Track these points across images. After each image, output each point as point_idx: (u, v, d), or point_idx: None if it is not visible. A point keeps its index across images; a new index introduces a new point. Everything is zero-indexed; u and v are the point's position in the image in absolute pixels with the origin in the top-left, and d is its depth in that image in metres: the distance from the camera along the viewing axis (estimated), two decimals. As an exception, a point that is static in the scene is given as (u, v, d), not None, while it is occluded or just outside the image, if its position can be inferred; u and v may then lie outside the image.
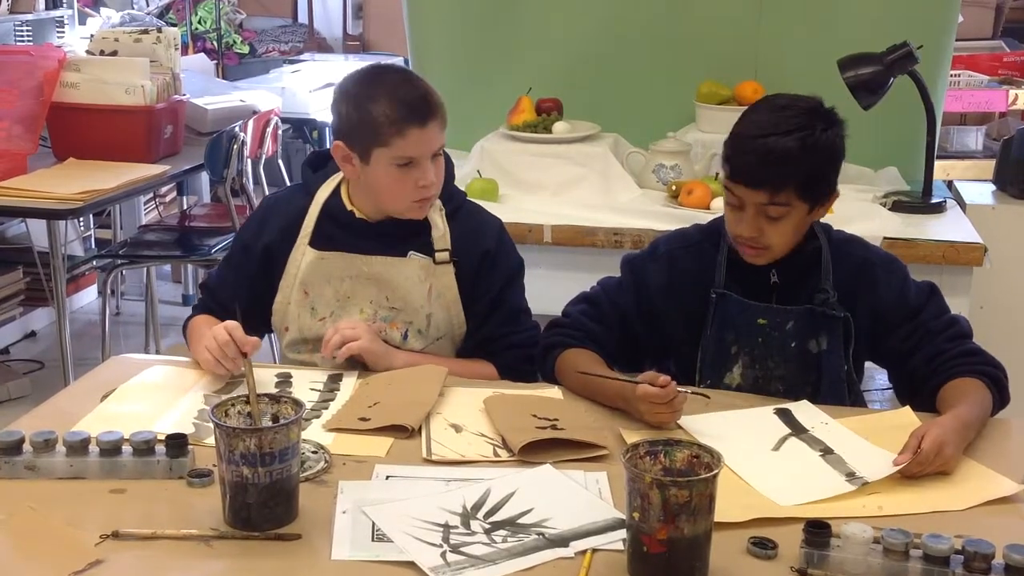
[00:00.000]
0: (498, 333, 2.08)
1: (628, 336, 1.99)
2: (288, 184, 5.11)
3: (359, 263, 2.02)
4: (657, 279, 1.98)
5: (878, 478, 1.57)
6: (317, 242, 2.04)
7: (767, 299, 1.93)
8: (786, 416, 1.80)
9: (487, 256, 2.06)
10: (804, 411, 1.81)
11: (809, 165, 1.80)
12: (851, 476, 1.59)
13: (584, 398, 1.87)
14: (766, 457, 1.66)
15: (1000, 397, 1.81)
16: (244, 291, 2.06)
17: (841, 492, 1.55)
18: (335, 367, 1.99)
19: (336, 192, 2.06)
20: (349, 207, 2.04)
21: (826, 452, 1.67)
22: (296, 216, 2.06)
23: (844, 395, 1.95)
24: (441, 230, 2.04)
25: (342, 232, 2.04)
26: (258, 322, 2.07)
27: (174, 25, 5.89)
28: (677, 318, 1.97)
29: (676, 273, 1.97)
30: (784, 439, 1.72)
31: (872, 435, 1.72)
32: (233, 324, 1.85)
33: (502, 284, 2.08)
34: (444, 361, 2.01)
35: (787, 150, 1.77)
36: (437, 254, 2.03)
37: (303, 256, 2.04)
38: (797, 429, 1.75)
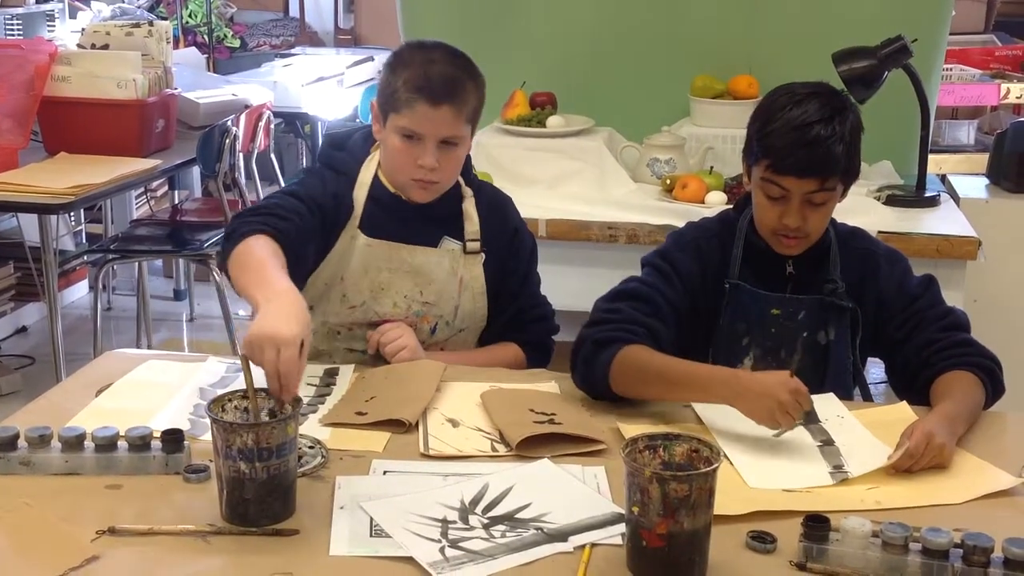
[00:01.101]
0: (526, 305, 2.12)
1: (680, 332, 1.91)
2: (280, 178, 5.12)
3: (403, 253, 2.02)
4: (693, 268, 1.94)
5: (861, 473, 1.57)
6: (365, 227, 2.02)
7: (782, 290, 1.93)
8: None
9: (516, 233, 2.13)
10: (825, 404, 1.80)
11: (850, 146, 1.83)
12: (837, 469, 1.59)
13: (652, 397, 1.78)
14: (763, 442, 1.66)
15: (993, 389, 1.81)
16: (308, 237, 1.93)
17: (819, 484, 1.55)
18: (334, 362, 1.99)
19: (375, 175, 2.05)
20: (393, 190, 2.03)
21: (825, 443, 1.67)
22: (336, 198, 2.01)
23: (850, 386, 1.95)
24: (475, 224, 2.06)
25: (386, 215, 2.02)
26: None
27: (164, 19, 5.87)
28: (703, 310, 1.95)
29: (702, 263, 1.95)
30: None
31: (869, 430, 1.72)
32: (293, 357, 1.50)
33: (528, 258, 2.15)
34: (469, 355, 2.04)
35: (834, 136, 1.80)
36: (468, 243, 2.05)
37: (352, 240, 2.01)
38: (809, 419, 1.74)
